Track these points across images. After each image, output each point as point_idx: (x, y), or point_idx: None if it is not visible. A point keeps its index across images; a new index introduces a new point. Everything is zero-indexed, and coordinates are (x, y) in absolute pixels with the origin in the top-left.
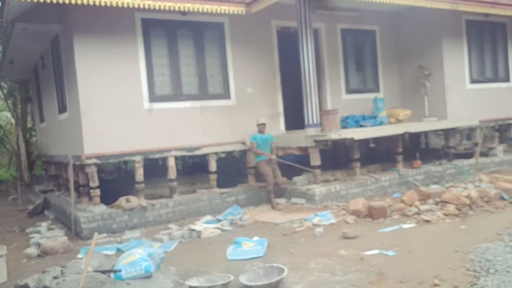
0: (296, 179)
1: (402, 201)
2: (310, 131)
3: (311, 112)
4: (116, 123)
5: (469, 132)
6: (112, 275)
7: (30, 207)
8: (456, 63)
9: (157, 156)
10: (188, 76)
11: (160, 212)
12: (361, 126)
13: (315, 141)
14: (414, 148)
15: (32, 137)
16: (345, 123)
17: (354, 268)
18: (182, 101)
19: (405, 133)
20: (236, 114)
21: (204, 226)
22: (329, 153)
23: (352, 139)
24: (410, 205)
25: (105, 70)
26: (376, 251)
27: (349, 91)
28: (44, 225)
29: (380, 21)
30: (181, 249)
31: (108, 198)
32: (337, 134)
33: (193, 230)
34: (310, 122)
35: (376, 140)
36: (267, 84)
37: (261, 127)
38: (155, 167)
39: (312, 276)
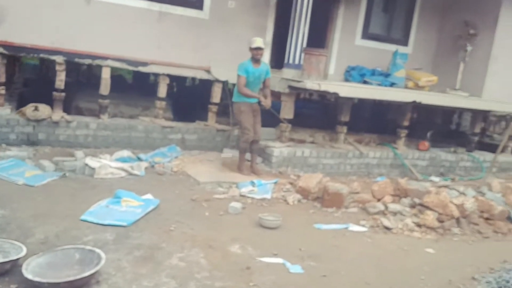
0: (262, 130)
1: (372, 192)
2: (287, 73)
3: (294, 48)
4: (37, 9)
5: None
6: None
7: None
8: None
9: (87, 62)
10: None
11: (76, 132)
12: (365, 82)
13: (290, 87)
14: (431, 126)
15: None
16: (348, 75)
17: (219, 284)
18: None
19: (414, 102)
20: (207, 32)
21: (103, 163)
22: (323, 109)
23: (336, 95)
24: (379, 199)
25: None
26: (279, 260)
27: (367, 35)
28: None
29: None
30: (49, 187)
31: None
32: (315, 83)
33: (87, 165)
34: (290, 61)
35: (382, 105)
36: (257, 0)
37: (256, 52)
38: (144, 82)
39: (146, 280)
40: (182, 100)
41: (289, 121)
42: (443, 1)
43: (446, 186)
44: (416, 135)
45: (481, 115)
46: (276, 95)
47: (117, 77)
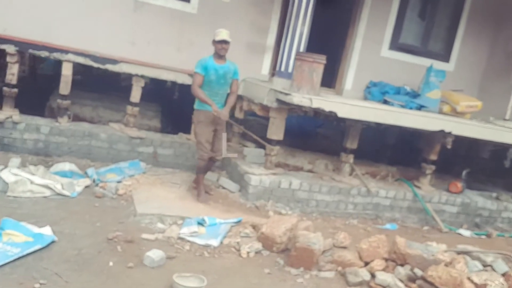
0: (248, 151)
1: (358, 251)
2: (278, 83)
3: (287, 54)
4: None
5: None
6: None
7: None
8: None
9: (43, 54)
10: None
11: (24, 136)
12: (385, 102)
13: (279, 100)
14: (473, 161)
15: None
16: (368, 91)
17: None
18: None
19: (442, 132)
20: (193, 28)
21: (22, 177)
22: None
23: (332, 114)
24: (367, 263)
25: None
26: None
27: (397, 46)
28: None
29: None
30: None
31: None
32: (306, 98)
33: (0, 178)
34: (282, 68)
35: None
36: None
37: (221, 46)
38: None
39: None
40: (174, 107)
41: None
42: (496, 10)
43: (466, 253)
44: (453, 173)
45: None
46: (265, 110)
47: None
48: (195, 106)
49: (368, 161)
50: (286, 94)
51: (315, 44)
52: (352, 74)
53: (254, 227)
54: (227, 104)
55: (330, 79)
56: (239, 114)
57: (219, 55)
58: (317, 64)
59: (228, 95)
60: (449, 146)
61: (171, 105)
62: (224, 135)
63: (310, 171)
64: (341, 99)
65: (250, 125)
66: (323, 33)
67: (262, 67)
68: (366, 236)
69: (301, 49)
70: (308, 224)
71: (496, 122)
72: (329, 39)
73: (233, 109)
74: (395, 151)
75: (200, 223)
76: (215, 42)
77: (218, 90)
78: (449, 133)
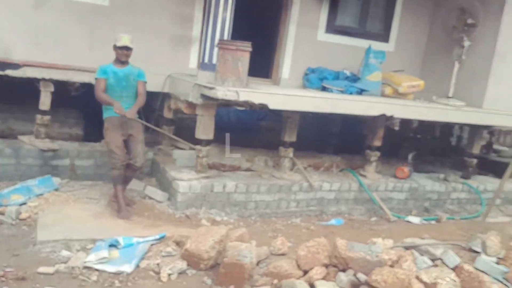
0: (178, 154)
1: (296, 259)
2: (203, 77)
3: (210, 44)
4: None
5: None
6: None
7: None
8: None
9: None
10: None
11: None
12: (324, 88)
13: (204, 96)
14: (422, 142)
15: None
16: (306, 79)
17: None
18: None
19: (383, 116)
20: (106, 23)
21: None
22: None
23: (263, 106)
24: (305, 272)
25: None
26: None
27: (333, 29)
28: None
29: None
30: None
31: None
32: (231, 91)
33: None
34: (206, 60)
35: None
36: None
37: (122, 53)
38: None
39: None
40: (99, 112)
41: (205, 142)
42: None
43: (414, 247)
44: (401, 156)
45: (481, 131)
46: (191, 107)
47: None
48: (104, 114)
49: (311, 153)
50: (210, 88)
51: (248, 33)
52: (289, 62)
53: (178, 243)
54: (134, 104)
55: (267, 69)
56: (168, 114)
57: (120, 61)
58: (242, 52)
59: None
60: (396, 128)
61: (96, 110)
62: (141, 139)
63: (248, 169)
64: (276, 89)
65: (185, 124)
66: (257, 20)
67: (190, 60)
68: (309, 236)
69: (225, 37)
70: (242, 232)
71: (439, 101)
72: (264, 26)
73: (160, 110)
74: (340, 140)
75: (114, 245)
76: (116, 48)
77: (120, 93)
78: (391, 116)
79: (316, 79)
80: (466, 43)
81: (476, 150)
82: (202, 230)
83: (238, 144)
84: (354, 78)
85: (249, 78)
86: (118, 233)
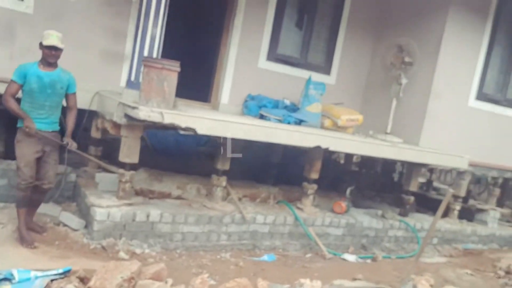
0: (101, 177)
1: None
2: (128, 96)
3: (137, 61)
4: None
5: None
6: None
7: None
8: (463, 54)
9: None
10: None
11: None
12: (262, 117)
13: (128, 116)
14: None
15: None
16: (245, 105)
17: None
18: None
19: (319, 148)
20: (31, 31)
21: None
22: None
23: (191, 130)
24: None
25: None
26: None
27: (274, 57)
28: None
29: None
30: None
31: None
32: (156, 112)
33: None
34: (132, 78)
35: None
36: None
37: (49, 53)
38: None
39: None
40: None
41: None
42: (376, 19)
43: None
44: (341, 190)
45: (418, 169)
46: (117, 128)
47: None
48: (18, 124)
49: (249, 183)
50: (133, 108)
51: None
52: (229, 86)
53: (81, 279)
54: (67, 128)
55: (207, 93)
56: (95, 134)
57: (48, 62)
58: (168, 72)
59: (66, 109)
60: (342, 161)
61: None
62: (54, 158)
63: (179, 197)
64: (208, 113)
65: (116, 145)
66: (198, 41)
67: (121, 78)
68: (237, 273)
69: (155, 55)
70: (159, 268)
71: (376, 136)
72: (208, 49)
73: (87, 129)
74: (281, 170)
75: (8, 279)
76: (42, 47)
77: (43, 101)
78: (327, 149)
79: (255, 106)
80: (404, 81)
81: (413, 187)
82: (110, 265)
83: (172, 170)
84: (294, 108)
85: (188, 101)
86: (19, 265)
